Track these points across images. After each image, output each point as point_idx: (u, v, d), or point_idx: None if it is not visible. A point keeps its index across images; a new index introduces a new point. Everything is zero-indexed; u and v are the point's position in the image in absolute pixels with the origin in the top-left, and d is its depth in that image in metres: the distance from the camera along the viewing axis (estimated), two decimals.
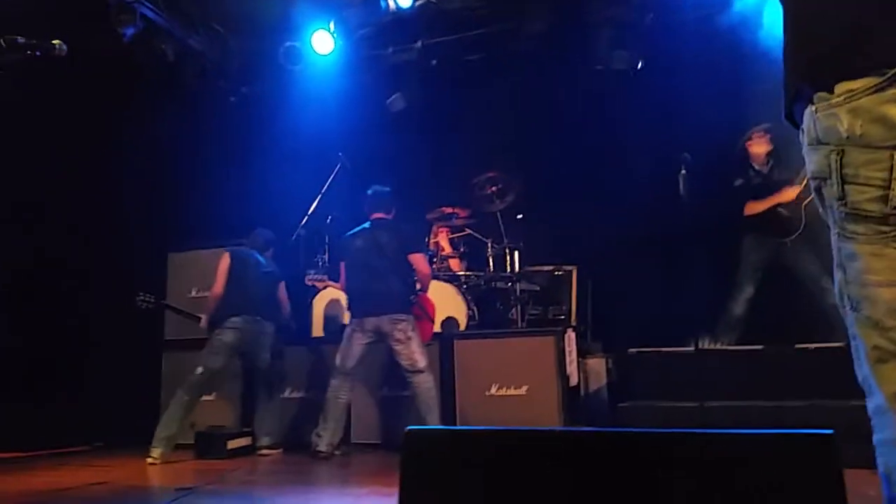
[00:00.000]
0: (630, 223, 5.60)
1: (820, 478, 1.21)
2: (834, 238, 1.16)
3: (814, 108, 1.14)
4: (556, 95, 6.19)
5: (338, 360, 4.66)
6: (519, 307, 5.85)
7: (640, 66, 5.72)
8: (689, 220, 4.03)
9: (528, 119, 6.32)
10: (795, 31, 1.19)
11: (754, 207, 5.06)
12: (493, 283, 6.03)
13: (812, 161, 1.17)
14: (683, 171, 4.04)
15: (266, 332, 5.04)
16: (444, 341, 5.08)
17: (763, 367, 4.37)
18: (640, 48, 5.77)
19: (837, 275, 1.17)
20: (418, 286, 4.85)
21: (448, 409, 4.82)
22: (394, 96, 6.41)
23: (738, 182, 5.14)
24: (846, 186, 1.10)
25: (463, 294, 5.68)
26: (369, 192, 4.90)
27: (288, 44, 6.25)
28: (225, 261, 5.08)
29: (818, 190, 1.18)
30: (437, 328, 5.22)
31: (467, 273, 5.99)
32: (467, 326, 5.52)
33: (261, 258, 5.19)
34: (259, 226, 5.39)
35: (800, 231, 4.94)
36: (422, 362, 4.52)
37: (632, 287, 5.72)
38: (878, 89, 1.05)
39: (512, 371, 4.79)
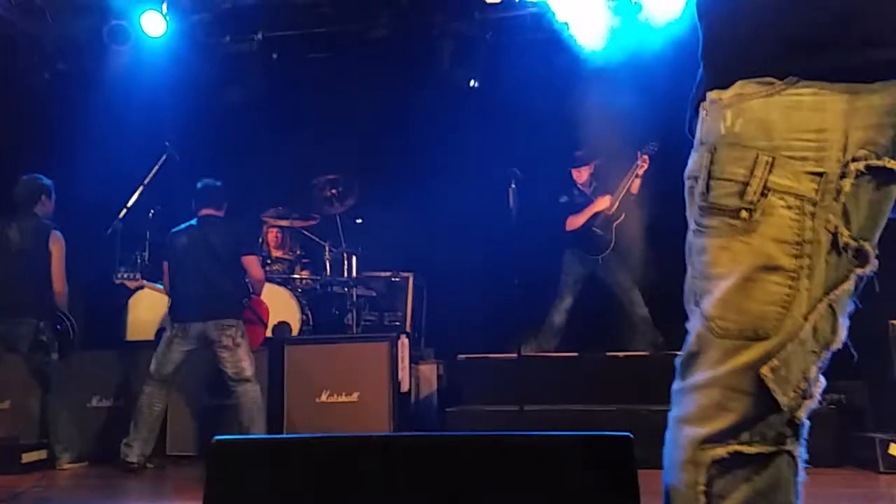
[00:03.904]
0: (464, 233, 5.77)
1: (618, 475, 1.30)
2: (689, 235, 1.19)
3: (705, 112, 1.18)
4: (399, 102, 6.24)
5: (153, 366, 4.34)
6: (355, 312, 5.80)
7: (475, 84, 5.92)
8: (517, 231, 4.21)
9: (371, 123, 6.30)
10: (705, 41, 1.22)
11: (574, 222, 5.40)
12: (329, 288, 5.94)
13: (691, 162, 1.20)
14: (513, 186, 4.23)
15: (22, 331, 4.40)
16: (275, 346, 4.90)
17: (578, 372, 4.68)
18: (480, 63, 5.98)
19: (688, 272, 1.20)
20: (250, 288, 4.64)
21: (276, 418, 4.65)
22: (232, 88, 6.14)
23: (563, 199, 5.48)
24: (711, 182, 1.13)
25: (297, 298, 5.53)
26: (199, 185, 4.57)
27: (114, 22, 5.77)
28: None
29: (690, 191, 1.19)
30: (268, 333, 5.03)
31: (302, 276, 5.84)
32: (301, 331, 5.38)
33: (19, 226, 4.52)
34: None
35: (610, 249, 5.34)
36: (249, 370, 4.30)
37: (464, 294, 5.89)
38: (768, 95, 1.10)
39: (344, 377, 4.71)
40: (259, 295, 4.70)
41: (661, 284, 5.33)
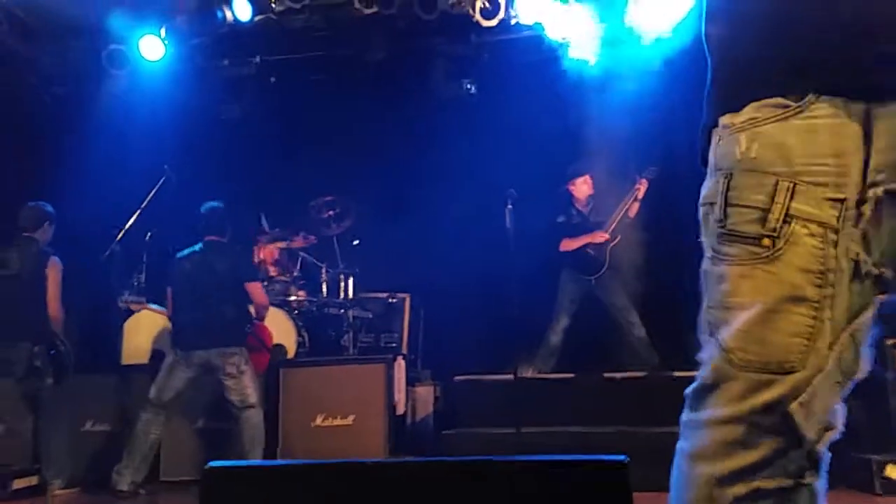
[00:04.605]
0: (461, 254, 5.77)
1: (614, 500, 1.28)
2: (705, 263, 1.15)
3: (718, 138, 1.15)
4: (397, 123, 6.28)
5: (153, 392, 4.30)
6: (351, 334, 5.78)
7: (472, 89, 5.96)
8: (513, 252, 4.22)
9: (368, 145, 6.34)
10: (715, 63, 1.19)
11: (568, 245, 5.39)
12: (325, 309, 5.92)
13: (705, 188, 1.16)
14: (510, 206, 4.25)
15: (16, 355, 4.39)
16: (270, 369, 4.86)
17: (575, 394, 4.65)
18: (476, 85, 6.05)
19: (703, 301, 1.15)
20: (254, 314, 4.60)
21: (271, 442, 4.58)
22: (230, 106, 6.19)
23: (561, 219, 5.47)
24: (728, 209, 1.09)
25: (293, 319, 5.50)
26: (203, 209, 4.54)
27: (112, 46, 5.82)
28: None
29: (705, 217, 1.15)
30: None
31: (299, 297, 5.82)
32: (297, 353, 5.35)
33: (19, 251, 4.53)
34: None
35: (603, 270, 5.32)
36: (253, 397, 4.27)
37: (461, 316, 5.88)
38: (783, 118, 1.07)
39: (340, 400, 4.67)
40: (263, 321, 4.68)
41: (658, 306, 5.32)
